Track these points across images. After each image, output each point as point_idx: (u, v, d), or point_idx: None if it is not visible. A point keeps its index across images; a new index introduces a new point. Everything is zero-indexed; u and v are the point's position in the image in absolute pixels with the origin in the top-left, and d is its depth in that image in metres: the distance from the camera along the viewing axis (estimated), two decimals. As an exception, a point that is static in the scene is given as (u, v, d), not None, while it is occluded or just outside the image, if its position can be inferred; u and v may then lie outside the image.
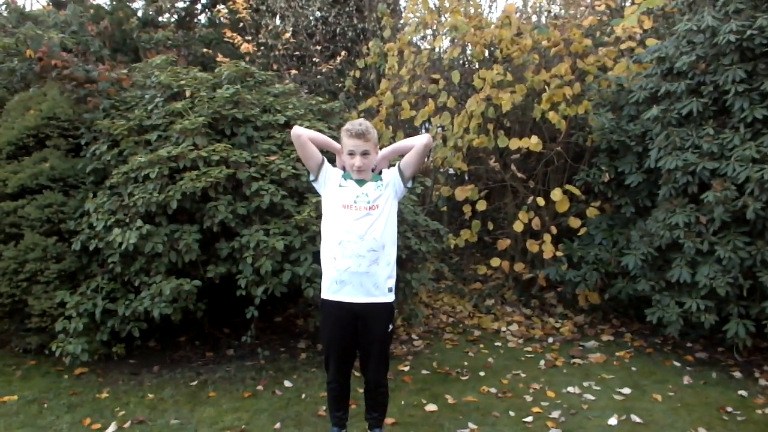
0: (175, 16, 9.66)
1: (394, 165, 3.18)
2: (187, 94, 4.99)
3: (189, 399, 4.07)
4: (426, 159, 6.38)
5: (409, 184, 3.15)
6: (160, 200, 4.20)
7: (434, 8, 6.82)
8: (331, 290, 3.05)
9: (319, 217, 4.32)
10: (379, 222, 3.00)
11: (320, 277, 4.17)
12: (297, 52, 8.92)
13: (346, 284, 3.00)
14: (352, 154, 3.02)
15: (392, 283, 3.08)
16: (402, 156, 3.12)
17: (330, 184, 3.08)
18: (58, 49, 5.42)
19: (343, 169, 3.15)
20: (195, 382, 4.33)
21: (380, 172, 3.16)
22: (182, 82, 5.10)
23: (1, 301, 4.44)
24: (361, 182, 3.07)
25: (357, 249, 2.95)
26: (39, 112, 4.98)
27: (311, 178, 3.14)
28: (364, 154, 3.01)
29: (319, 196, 4.42)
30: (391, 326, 3.12)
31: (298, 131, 3.05)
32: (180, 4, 9.96)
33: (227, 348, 4.96)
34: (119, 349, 4.51)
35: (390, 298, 3.07)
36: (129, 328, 4.31)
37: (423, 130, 8.11)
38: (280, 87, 5.60)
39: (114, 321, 4.28)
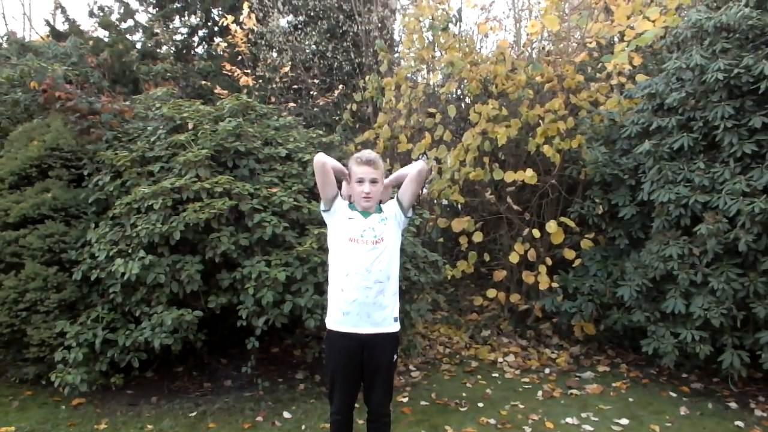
0: (174, 49, 9.79)
1: (393, 197, 3.24)
2: (190, 126, 5.07)
3: (188, 430, 4.07)
4: (422, 190, 6.48)
5: (409, 214, 3.19)
6: (163, 231, 4.24)
7: (429, 43, 6.97)
8: (337, 321, 3.06)
9: (320, 248, 4.39)
10: (385, 255, 3.04)
11: (321, 308, 4.25)
12: (294, 86, 9.06)
13: (353, 315, 3.01)
14: (361, 181, 3.05)
15: (397, 312, 3.12)
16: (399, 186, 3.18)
17: (339, 216, 3.11)
18: (62, 81, 5.50)
19: (349, 198, 3.19)
20: (194, 413, 4.32)
21: (380, 202, 3.20)
22: (185, 115, 5.19)
23: (0, 331, 4.43)
24: (366, 214, 3.10)
25: (364, 281, 2.99)
26: (42, 142, 5.04)
27: (323, 208, 3.17)
28: (373, 182, 3.05)
29: (321, 227, 4.52)
30: (395, 355, 3.14)
31: (322, 159, 3.03)
32: (178, 37, 10.12)
33: (225, 378, 4.96)
34: (117, 380, 4.49)
35: (396, 327, 3.10)
36: (129, 358, 4.31)
37: (420, 162, 8.23)
38: (281, 120, 5.70)
39: (114, 351, 4.27)
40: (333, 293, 3.11)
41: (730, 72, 4.75)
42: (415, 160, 7.72)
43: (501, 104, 5.96)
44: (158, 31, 9.54)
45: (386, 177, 3.26)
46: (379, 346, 3.05)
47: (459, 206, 7.14)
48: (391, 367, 3.15)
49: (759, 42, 4.89)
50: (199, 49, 10.50)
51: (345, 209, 3.12)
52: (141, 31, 9.83)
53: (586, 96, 5.92)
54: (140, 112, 5.77)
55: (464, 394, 4.84)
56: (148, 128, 5.33)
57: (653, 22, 5.13)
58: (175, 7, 10.13)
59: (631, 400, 4.78)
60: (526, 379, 5.22)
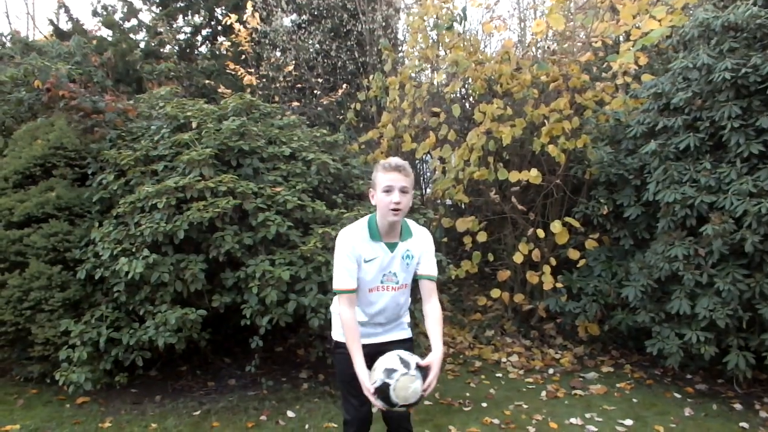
0: (177, 48, 9.79)
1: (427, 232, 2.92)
2: (194, 125, 5.07)
3: (193, 429, 4.07)
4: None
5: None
6: (167, 230, 4.24)
7: (433, 42, 6.95)
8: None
9: (324, 248, 4.39)
10: (404, 295, 2.85)
11: (325, 307, 4.24)
12: (298, 85, 9.05)
13: (364, 329, 2.80)
14: (389, 190, 2.61)
15: (409, 318, 2.99)
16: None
17: (359, 267, 2.73)
18: (65, 80, 5.50)
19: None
20: (198, 412, 4.32)
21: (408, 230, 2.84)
22: (188, 114, 5.18)
23: (5, 330, 4.44)
24: (392, 246, 2.73)
25: (378, 316, 2.83)
26: (46, 141, 5.04)
27: None
28: (403, 191, 2.62)
29: (324, 226, 4.52)
30: None
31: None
32: (181, 36, 10.13)
33: (229, 377, 4.96)
34: (122, 379, 4.49)
35: (408, 333, 2.95)
36: (133, 357, 4.31)
37: (424, 163, 8.23)
38: (285, 119, 5.69)
39: (118, 350, 4.28)
40: None
41: (738, 71, 4.72)
42: (419, 159, 7.72)
43: (506, 104, 5.94)
44: (162, 30, 9.54)
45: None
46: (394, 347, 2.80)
47: (463, 206, 7.12)
48: None
49: (767, 41, 4.86)
50: (203, 48, 10.50)
51: (361, 253, 2.71)
52: (144, 30, 9.83)
53: (592, 95, 5.90)
54: (144, 111, 5.78)
55: (468, 394, 4.83)
56: (152, 127, 5.33)
57: (659, 21, 5.10)
58: (178, 6, 10.13)
59: (635, 400, 4.77)
60: (530, 380, 5.21)
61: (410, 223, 2.84)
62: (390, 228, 2.70)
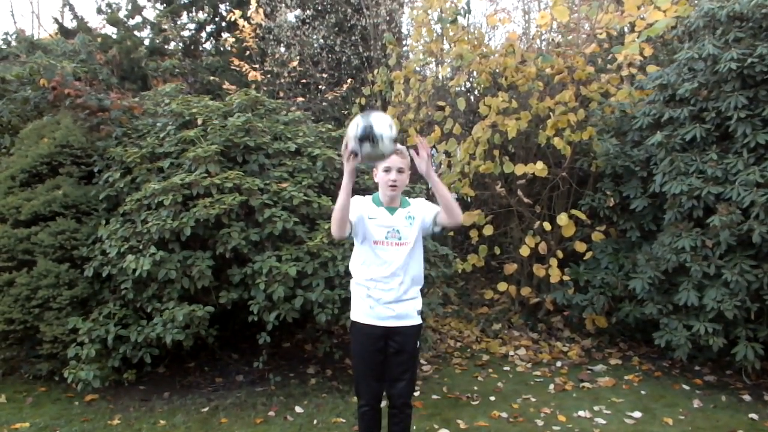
0: (182, 45, 9.80)
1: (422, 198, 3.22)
2: (199, 122, 5.07)
3: (201, 425, 4.08)
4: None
5: (436, 229, 3.19)
6: (174, 227, 4.25)
7: (438, 36, 6.93)
8: (362, 313, 3.11)
9: (330, 243, 4.39)
10: (409, 255, 3.08)
11: (332, 302, 4.25)
12: (303, 80, 9.04)
13: (378, 308, 3.07)
14: (388, 170, 3.03)
15: (420, 305, 3.16)
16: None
17: (362, 224, 3.05)
18: (71, 78, 5.52)
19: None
20: (206, 408, 4.34)
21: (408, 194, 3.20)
22: (194, 111, 5.19)
23: (13, 328, 4.46)
24: (391, 210, 3.10)
25: (389, 283, 3.05)
26: (52, 140, 5.06)
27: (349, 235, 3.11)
28: (400, 171, 3.03)
29: (330, 221, 4.51)
30: (419, 343, 3.19)
31: (333, 215, 2.96)
32: (186, 33, 10.14)
33: (237, 374, 4.97)
34: (130, 375, 4.51)
35: (418, 320, 3.15)
36: (141, 354, 4.33)
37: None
38: (290, 115, 5.69)
39: (126, 347, 4.30)
40: (357, 289, 3.14)
41: (744, 61, 4.69)
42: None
43: (511, 97, 5.93)
44: (166, 27, 9.55)
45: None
46: (402, 336, 3.08)
47: (469, 199, 7.12)
48: (415, 354, 3.18)
49: (773, 31, 4.82)
50: (207, 45, 10.52)
51: (366, 210, 3.08)
52: (149, 27, 9.85)
53: (597, 87, 5.87)
54: (149, 108, 5.78)
55: (476, 388, 4.83)
56: (158, 124, 5.35)
57: (664, 12, 5.07)
58: (182, 2, 10.14)
59: (643, 393, 4.76)
60: (538, 373, 5.21)
61: (407, 198, 3.25)
62: (390, 200, 3.11)
